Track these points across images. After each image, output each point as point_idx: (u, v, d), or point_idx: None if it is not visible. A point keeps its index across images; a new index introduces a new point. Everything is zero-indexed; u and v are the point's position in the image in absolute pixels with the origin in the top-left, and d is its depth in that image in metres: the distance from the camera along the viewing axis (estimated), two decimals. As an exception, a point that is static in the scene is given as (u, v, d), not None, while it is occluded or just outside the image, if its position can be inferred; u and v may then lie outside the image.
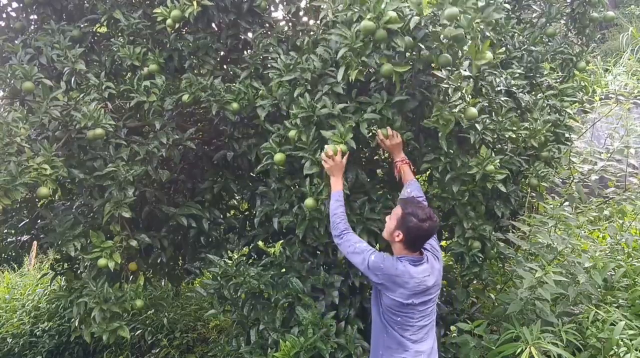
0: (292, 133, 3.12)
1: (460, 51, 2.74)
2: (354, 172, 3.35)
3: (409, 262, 2.62)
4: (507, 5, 2.91)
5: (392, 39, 2.73)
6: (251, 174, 4.12)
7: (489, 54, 2.74)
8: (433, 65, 2.89)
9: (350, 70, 2.91)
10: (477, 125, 3.16)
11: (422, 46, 2.81)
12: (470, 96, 2.99)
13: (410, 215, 2.60)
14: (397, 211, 2.67)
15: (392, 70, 2.85)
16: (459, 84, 2.92)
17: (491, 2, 2.69)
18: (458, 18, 2.56)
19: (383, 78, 3.01)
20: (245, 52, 3.99)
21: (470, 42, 2.63)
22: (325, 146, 2.98)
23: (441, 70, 2.94)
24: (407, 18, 2.70)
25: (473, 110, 2.96)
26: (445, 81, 2.95)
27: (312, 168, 3.12)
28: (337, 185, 2.96)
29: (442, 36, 2.65)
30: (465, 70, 2.95)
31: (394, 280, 2.59)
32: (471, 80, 3.03)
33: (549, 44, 3.89)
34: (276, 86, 3.32)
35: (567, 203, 4.20)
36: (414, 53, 2.86)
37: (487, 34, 2.72)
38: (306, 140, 3.10)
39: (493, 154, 3.20)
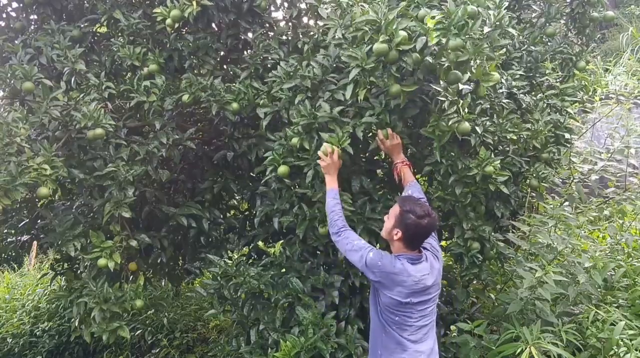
0: (294, 140, 3.13)
1: (466, 72, 2.75)
2: (359, 179, 3.36)
3: (408, 260, 2.60)
4: (513, 31, 2.92)
5: (402, 58, 2.75)
6: (251, 174, 4.12)
7: (496, 76, 2.77)
8: (436, 73, 2.90)
9: (359, 89, 2.93)
10: (477, 128, 3.16)
11: (427, 58, 2.82)
12: (466, 110, 2.99)
13: (408, 213, 2.59)
14: (395, 209, 2.67)
15: (400, 90, 2.88)
16: (455, 98, 2.93)
17: (497, 24, 2.69)
18: (463, 47, 2.56)
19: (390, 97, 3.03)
20: (245, 52, 3.99)
21: (476, 65, 2.64)
22: (324, 144, 2.99)
23: (440, 82, 2.95)
24: (415, 35, 2.71)
25: (466, 125, 2.97)
26: (442, 94, 2.96)
27: (319, 194, 3.17)
28: (332, 183, 2.96)
29: (449, 61, 2.66)
30: (465, 84, 2.96)
31: (392, 278, 2.57)
32: (469, 94, 3.04)
33: (549, 43, 3.89)
34: (278, 92, 3.33)
35: (567, 203, 4.20)
36: (418, 68, 2.87)
37: (492, 56, 2.73)
38: (309, 148, 3.12)
39: (493, 156, 3.20)
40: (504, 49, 3.53)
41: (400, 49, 2.72)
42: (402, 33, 2.70)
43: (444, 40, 2.58)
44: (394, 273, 2.57)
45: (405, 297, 2.58)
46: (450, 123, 2.94)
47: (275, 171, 3.23)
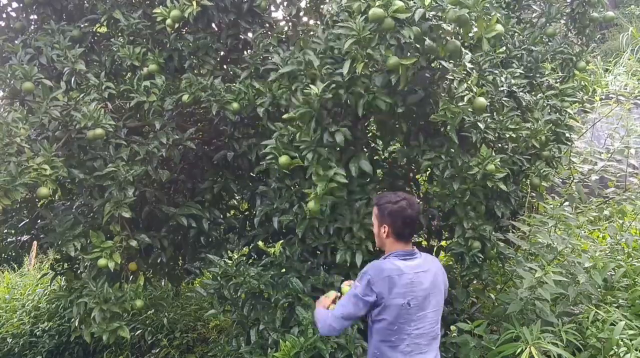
0: (292, 129, 3.12)
1: (465, 38, 2.73)
2: (357, 163, 3.33)
3: (398, 258, 2.48)
4: None
5: (398, 29, 2.73)
6: (251, 174, 4.12)
7: (499, 26, 2.72)
8: (433, 59, 2.88)
9: (357, 63, 2.90)
10: (479, 124, 3.16)
11: (426, 39, 2.80)
12: (476, 87, 2.97)
13: (384, 204, 2.51)
14: (374, 210, 2.59)
15: (398, 63, 2.82)
16: (464, 75, 2.91)
17: None
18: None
19: (388, 71, 2.98)
20: (245, 52, 3.99)
21: (479, 19, 2.62)
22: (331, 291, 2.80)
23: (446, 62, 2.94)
24: (413, 9, 2.71)
25: (482, 100, 2.93)
26: (450, 73, 2.93)
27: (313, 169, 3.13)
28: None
29: (447, 20, 2.63)
30: (469, 63, 2.94)
31: (387, 281, 2.42)
32: (475, 72, 3.02)
33: (549, 43, 3.89)
34: (276, 85, 3.32)
35: (567, 203, 4.19)
36: (418, 46, 2.85)
37: (493, 12, 2.71)
38: (308, 134, 3.10)
39: (494, 153, 3.20)
40: (504, 48, 3.54)
41: (397, 16, 2.71)
42: (399, 2, 2.70)
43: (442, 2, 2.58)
44: (386, 276, 2.42)
45: (403, 297, 2.42)
46: (464, 101, 2.91)
47: (276, 160, 3.21)
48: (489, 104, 3.32)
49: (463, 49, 2.84)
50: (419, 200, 3.81)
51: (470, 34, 2.75)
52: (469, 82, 2.92)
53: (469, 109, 2.99)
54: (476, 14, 2.61)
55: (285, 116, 3.13)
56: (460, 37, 2.77)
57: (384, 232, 2.53)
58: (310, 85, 3.00)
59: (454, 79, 2.93)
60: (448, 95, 3.00)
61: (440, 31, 2.72)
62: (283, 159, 3.18)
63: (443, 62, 2.95)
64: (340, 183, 3.10)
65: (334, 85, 3.03)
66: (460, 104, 2.93)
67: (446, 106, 2.97)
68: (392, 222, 2.50)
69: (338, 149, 3.20)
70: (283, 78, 3.29)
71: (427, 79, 3.14)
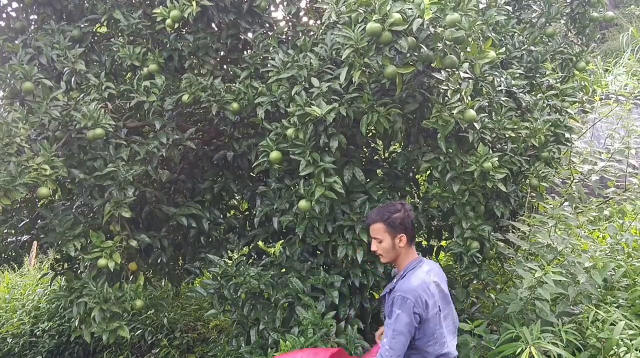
0: (289, 131, 3.13)
1: (462, 52, 2.75)
2: (351, 170, 3.35)
3: (415, 270, 2.48)
4: (509, 8, 2.93)
5: (396, 40, 2.74)
6: (251, 173, 4.12)
7: (492, 53, 2.76)
8: (433, 65, 2.90)
9: (354, 71, 2.92)
10: (475, 124, 3.16)
11: (423, 46, 2.82)
12: (469, 98, 2.99)
13: (392, 216, 2.47)
14: (379, 227, 2.50)
15: (395, 72, 2.86)
16: (458, 86, 2.93)
17: (492, 3, 2.71)
18: (460, 21, 2.57)
19: (386, 79, 3.00)
20: (245, 52, 3.99)
21: (472, 42, 2.65)
22: None
23: (441, 72, 2.95)
24: (410, 19, 2.71)
25: (472, 112, 2.96)
26: (444, 83, 2.95)
27: (308, 168, 3.13)
28: None
29: (444, 38, 2.66)
30: (465, 72, 2.95)
31: (423, 301, 2.38)
32: (470, 82, 3.04)
33: (549, 44, 3.89)
34: (276, 85, 3.32)
35: (567, 203, 4.19)
36: (415, 54, 2.87)
37: (488, 34, 2.74)
38: (303, 138, 3.10)
39: (492, 152, 3.20)
40: (504, 49, 3.54)
41: (394, 29, 2.72)
42: (396, 15, 2.70)
43: (440, 16, 2.58)
44: (421, 295, 2.39)
45: (435, 306, 2.44)
46: (455, 111, 2.93)
47: (267, 156, 3.22)
48: (487, 104, 3.33)
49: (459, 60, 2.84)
50: (418, 200, 3.83)
51: (468, 49, 2.77)
52: (462, 94, 2.93)
53: (460, 118, 3.01)
54: (472, 36, 2.64)
55: (288, 132, 3.14)
56: (458, 50, 2.78)
57: (400, 241, 2.50)
58: (313, 107, 3.00)
59: (448, 88, 2.94)
60: (442, 102, 3.01)
61: (439, 44, 2.73)
62: (274, 155, 3.20)
63: (437, 75, 2.96)
64: (337, 192, 3.13)
65: (336, 104, 3.06)
66: (453, 111, 2.94)
67: (438, 113, 2.99)
68: (405, 229, 2.50)
69: (333, 154, 3.22)
70: (283, 79, 3.30)
71: (424, 83, 3.15)
